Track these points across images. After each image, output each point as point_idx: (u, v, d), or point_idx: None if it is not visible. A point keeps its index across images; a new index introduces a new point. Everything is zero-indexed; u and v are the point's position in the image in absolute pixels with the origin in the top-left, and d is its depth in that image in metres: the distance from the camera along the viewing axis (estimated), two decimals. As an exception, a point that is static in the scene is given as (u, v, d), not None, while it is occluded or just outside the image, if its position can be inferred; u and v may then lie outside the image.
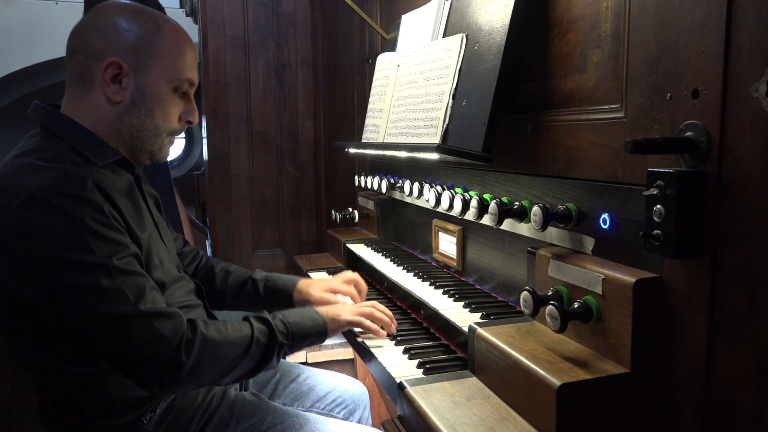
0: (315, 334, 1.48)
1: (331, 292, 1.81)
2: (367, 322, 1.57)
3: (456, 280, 1.80)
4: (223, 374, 1.31)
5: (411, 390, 1.21)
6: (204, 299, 1.58)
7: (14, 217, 1.16)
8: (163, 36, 1.36)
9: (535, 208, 1.28)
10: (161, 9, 2.28)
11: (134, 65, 1.33)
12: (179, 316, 1.25)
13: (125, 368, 1.24)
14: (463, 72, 1.54)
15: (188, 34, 1.44)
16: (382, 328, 1.61)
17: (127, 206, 1.34)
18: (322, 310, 1.54)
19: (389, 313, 1.65)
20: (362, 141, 2.12)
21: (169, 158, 1.77)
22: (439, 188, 1.73)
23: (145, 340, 1.18)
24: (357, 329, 1.62)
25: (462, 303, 1.55)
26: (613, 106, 1.14)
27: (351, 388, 1.93)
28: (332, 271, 2.36)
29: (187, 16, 6.31)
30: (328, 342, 2.87)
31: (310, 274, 2.38)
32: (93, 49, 1.32)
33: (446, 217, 1.87)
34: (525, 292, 1.20)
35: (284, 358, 1.46)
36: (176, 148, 11.14)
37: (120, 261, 1.20)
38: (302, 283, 1.83)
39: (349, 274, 1.88)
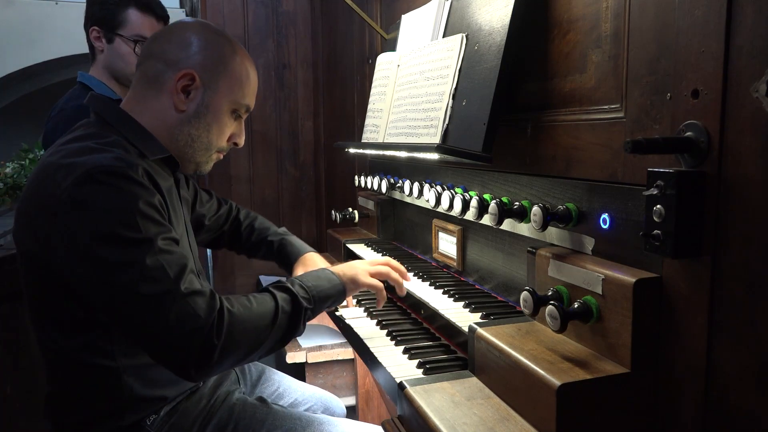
0: (335, 294, 1.48)
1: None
2: (384, 292, 1.59)
3: (456, 280, 1.80)
4: (254, 348, 1.29)
5: (411, 390, 1.21)
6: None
7: (68, 192, 1.19)
8: (237, 60, 1.45)
9: (535, 208, 1.28)
10: (164, 11, 2.29)
11: (206, 80, 1.41)
12: (213, 295, 1.25)
13: (160, 349, 1.21)
14: (463, 72, 1.54)
15: (254, 67, 1.54)
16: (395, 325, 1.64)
17: (169, 203, 1.40)
18: (338, 270, 1.54)
19: (402, 269, 1.67)
20: (362, 141, 2.12)
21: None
22: (439, 188, 1.73)
23: (183, 318, 1.17)
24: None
25: (462, 303, 1.55)
26: (613, 106, 1.14)
27: (333, 404, 1.95)
28: (332, 271, 2.36)
29: (187, 16, 6.31)
30: (327, 342, 2.88)
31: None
32: (171, 58, 1.40)
33: (446, 217, 1.87)
34: (525, 292, 1.20)
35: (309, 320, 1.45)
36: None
37: (163, 241, 1.22)
38: (304, 258, 1.90)
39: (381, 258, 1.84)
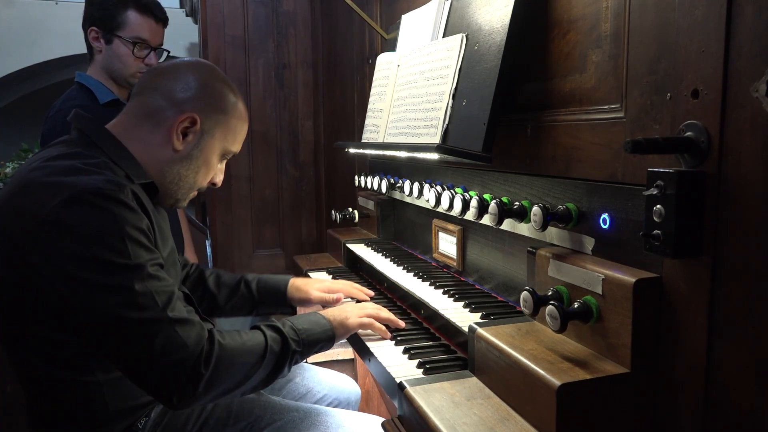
0: (324, 339, 1.49)
1: (328, 291, 1.85)
2: (377, 324, 1.59)
3: (456, 280, 1.80)
4: (239, 383, 1.29)
5: (411, 390, 1.21)
6: (194, 305, 1.57)
7: (53, 214, 1.15)
8: (237, 112, 1.49)
9: (535, 208, 1.28)
10: (163, 12, 2.28)
11: (206, 127, 1.42)
12: (201, 325, 1.24)
13: (144, 377, 1.20)
14: (463, 72, 1.54)
15: (247, 115, 1.58)
16: (388, 327, 1.62)
17: (156, 225, 1.37)
18: (329, 314, 1.55)
19: (391, 315, 1.67)
20: (362, 141, 2.12)
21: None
22: (439, 188, 1.73)
23: (169, 347, 1.17)
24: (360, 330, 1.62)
25: (462, 303, 1.55)
26: (613, 106, 1.14)
27: (347, 388, 1.94)
28: (332, 271, 2.37)
29: (187, 16, 6.31)
30: (328, 342, 2.87)
31: (310, 274, 2.37)
32: (176, 98, 1.40)
33: (446, 217, 1.87)
34: (525, 292, 1.20)
35: (296, 364, 1.46)
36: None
37: (152, 267, 1.21)
38: (298, 282, 1.85)
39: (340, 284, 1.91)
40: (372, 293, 1.92)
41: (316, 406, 1.64)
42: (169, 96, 1.40)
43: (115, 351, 1.19)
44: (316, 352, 1.49)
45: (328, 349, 1.52)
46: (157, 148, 1.41)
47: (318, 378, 1.91)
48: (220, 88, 1.46)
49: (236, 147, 1.54)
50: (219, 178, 1.56)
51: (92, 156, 1.31)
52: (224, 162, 1.56)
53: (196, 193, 1.55)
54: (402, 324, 1.66)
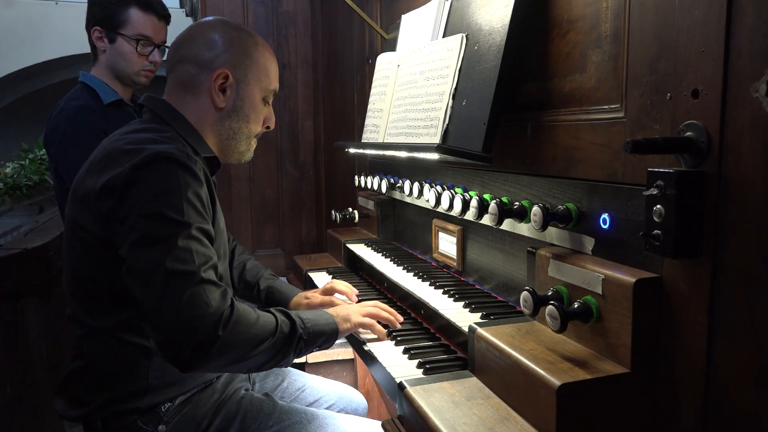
0: (329, 332, 1.51)
1: (329, 293, 1.88)
2: (378, 326, 1.62)
3: (456, 280, 1.80)
4: (247, 355, 1.31)
5: (411, 390, 1.21)
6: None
7: (130, 172, 1.27)
8: (260, 51, 1.55)
9: (535, 208, 1.28)
10: (165, 9, 2.28)
11: (238, 76, 1.51)
12: (227, 292, 1.29)
13: (165, 327, 1.23)
14: (463, 72, 1.54)
15: (274, 54, 1.63)
16: (386, 327, 1.63)
17: (215, 196, 1.48)
18: (332, 311, 1.58)
19: (392, 311, 1.68)
20: (362, 141, 2.12)
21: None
22: (439, 188, 1.73)
23: (195, 302, 1.21)
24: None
25: (462, 303, 1.55)
26: (613, 106, 1.14)
27: (355, 399, 1.95)
28: (332, 271, 2.37)
29: (187, 16, 6.31)
30: (328, 342, 2.87)
31: (310, 274, 2.38)
32: (203, 59, 1.49)
33: (446, 217, 1.87)
34: (525, 292, 1.20)
35: (298, 357, 1.46)
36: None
37: (198, 231, 1.29)
38: (301, 295, 1.90)
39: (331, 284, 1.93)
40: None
41: (322, 410, 1.65)
42: (197, 61, 1.49)
43: (145, 296, 1.24)
44: (320, 347, 1.50)
45: (330, 345, 1.53)
46: (206, 113, 1.51)
47: (326, 389, 1.93)
48: (239, 36, 1.52)
49: (274, 84, 1.61)
50: (271, 121, 1.64)
51: (165, 131, 1.45)
52: (270, 104, 1.62)
53: (256, 141, 1.64)
54: (401, 318, 1.69)
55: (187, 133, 1.48)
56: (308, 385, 1.90)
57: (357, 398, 1.98)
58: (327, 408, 1.88)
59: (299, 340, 1.41)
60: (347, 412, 1.91)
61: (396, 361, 1.46)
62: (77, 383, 1.44)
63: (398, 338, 1.59)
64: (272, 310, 1.42)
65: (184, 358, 1.22)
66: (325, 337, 1.50)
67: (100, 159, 1.38)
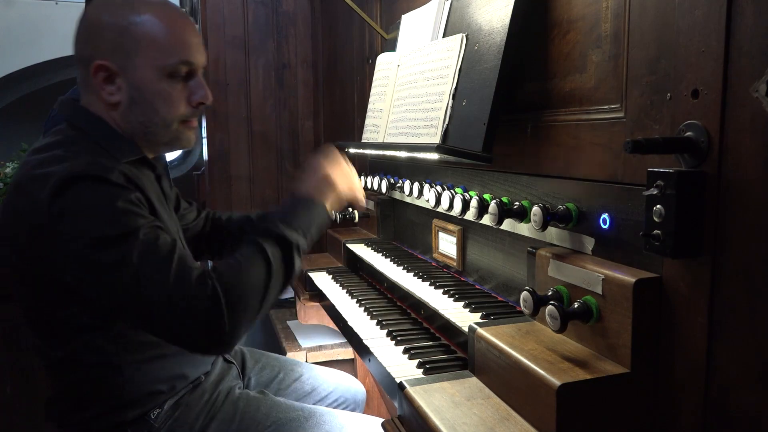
0: (307, 207, 1.39)
1: None
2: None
3: (456, 280, 1.80)
4: (261, 299, 1.23)
5: (411, 390, 1.21)
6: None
7: (47, 204, 1.16)
8: (143, 25, 1.29)
9: (535, 208, 1.28)
10: None
11: (120, 63, 1.29)
12: (199, 270, 1.20)
13: (169, 332, 1.17)
14: (463, 72, 1.54)
15: (177, 13, 1.36)
16: (387, 327, 1.62)
17: (153, 199, 1.35)
18: (297, 191, 1.46)
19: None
20: (362, 141, 2.12)
21: (169, 158, 1.79)
22: (439, 188, 1.73)
23: (178, 302, 1.14)
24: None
25: (462, 303, 1.55)
26: (613, 106, 1.14)
27: (353, 387, 1.94)
28: (332, 271, 2.37)
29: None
30: (327, 342, 2.88)
31: (309, 274, 2.38)
32: (83, 55, 1.31)
33: (446, 217, 1.87)
34: (525, 292, 1.20)
35: (306, 249, 1.37)
36: (176, 148, 11.10)
37: (148, 229, 1.19)
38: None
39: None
40: None
41: (319, 407, 1.64)
42: (79, 59, 1.32)
43: (133, 314, 1.18)
44: (318, 228, 1.39)
45: (326, 218, 1.43)
46: (109, 112, 1.34)
47: (323, 377, 1.92)
48: (110, 17, 1.30)
49: (181, 54, 1.33)
50: (203, 96, 1.39)
51: (76, 142, 1.29)
52: (195, 77, 1.38)
53: (189, 124, 1.41)
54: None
55: (106, 137, 1.33)
56: (305, 375, 1.89)
57: (355, 385, 1.97)
58: (325, 396, 1.87)
59: (288, 244, 1.30)
60: (346, 399, 1.90)
61: (396, 361, 1.46)
62: (57, 408, 1.41)
63: (398, 338, 1.59)
64: (246, 237, 1.31)
65: (202, 340, 1.16)
66: (309, 216, 1.38)
67: (11, 190, 1.26)
